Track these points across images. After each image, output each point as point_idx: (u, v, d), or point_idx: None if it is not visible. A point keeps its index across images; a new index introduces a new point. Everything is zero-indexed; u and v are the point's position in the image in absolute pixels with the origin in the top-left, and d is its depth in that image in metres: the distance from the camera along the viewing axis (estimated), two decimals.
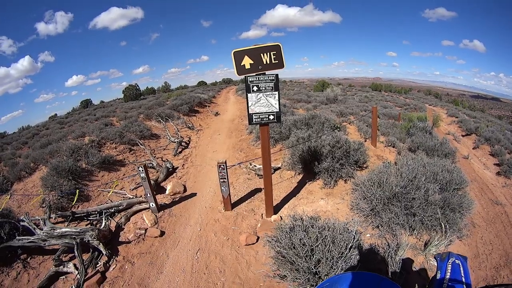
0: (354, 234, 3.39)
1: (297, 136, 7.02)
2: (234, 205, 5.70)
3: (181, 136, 11.45)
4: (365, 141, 8.38)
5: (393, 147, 8.23)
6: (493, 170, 10.49)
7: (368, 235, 4.28)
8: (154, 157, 9.10)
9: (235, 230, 4.96)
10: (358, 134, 9.26)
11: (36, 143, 11.88)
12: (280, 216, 5.04)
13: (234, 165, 7.24)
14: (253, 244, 4.54)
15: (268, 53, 4.03)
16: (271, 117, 4.26)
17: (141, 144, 10.03)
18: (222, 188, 5.27)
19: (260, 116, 4.26)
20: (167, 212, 5.92)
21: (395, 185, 4.39)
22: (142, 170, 5.36)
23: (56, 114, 41.18)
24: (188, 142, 11.34)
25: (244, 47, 4.10)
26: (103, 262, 4.45)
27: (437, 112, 24.09)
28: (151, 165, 8.42)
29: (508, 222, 6.80)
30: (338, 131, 8.35)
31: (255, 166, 6.96)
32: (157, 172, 8.00)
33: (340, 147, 5.93)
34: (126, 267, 4.46)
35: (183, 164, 8.82)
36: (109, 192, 6.69)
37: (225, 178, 5.16)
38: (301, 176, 6.37)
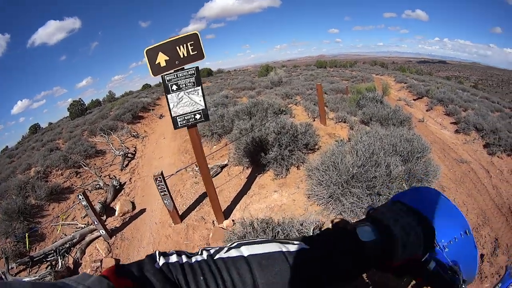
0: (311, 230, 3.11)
1: (239, 128, 6.61)
2: (184, 215, 5.24)
3: (126, 147, 10.68)
4: (314, 120, 8.10)
5: (344, 122, 8.00)
6: (451, 129, 10.85)
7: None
8: (100, 176, 8.40)
9: (188, 245, 4.53)
10: (306, 115, 8.98)
11: None
12: (232, 220, 4.63)
13: (179, 170, 6.68)
14: None
15: (184, 45, 3.54)
16: (198, 116, 3.79)
17: (84, 165, 9.25)
18: (165, 201, 4.77)
19: (185, 118, 3.77)
20: (119, 237, 5.48)
21: (351, 165, 4.09)
22: (83, 198, 4.86)
23: (7, 147, 38.64)
24: (134, 152, 10.63)
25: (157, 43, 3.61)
26: None
27: (385, 80, 24.59)
28: (98, 185, 7.77)
29: (477, 179, 6.87)
30: (284, 115, 8.04)
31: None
32: (105, 192, 7.37)
33: (286, 133, 5.58)
34: None
35: (130, 178, 8.22)
36: (60, 226, 6.19)
37: (165, 191, 4.65)
38: (250, 170, 5.96)
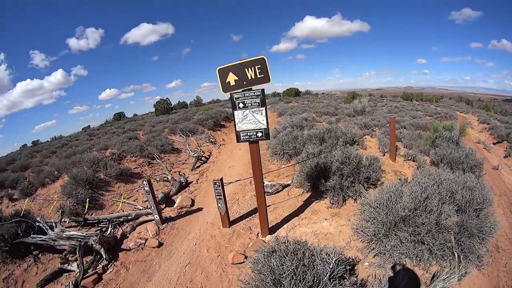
0: (334, 262, 3.13)
1: (307, 152, 6.77)
2: (234, 222, 5.56)
3: (202, 151, 11.57)
4: (384, 155, 7.92)
5: (414, 161, 7.64)
6: None
7: (367, 263, 3.91)
8: (170, 171, 9.17)
9: (228, 248, 4.83)
10: (378, 148, 8.80)
11: (62, 153, 12.39)
12: (276, 237, 4.83)
13: (239, 180, 7.12)
14: (240, 263, 4.37)
15: (252, 68, 3.92)
16: (259, 134, 4.11)
17: (158, 157, 10.15)
18: (219, 205, 5.18)
19: (248, 134, 4.14)
20: (170, 225, 6.08)
21: (401, 207, 4.05)
22: (146, 184, 5.54)
23: (89, 126, 42.06)
24: (208, 156, 11.38)
25: (229, 63, 4.04)
26: (103, 265, 4.86)
27: (468, 119, 22.91)
28: (166, 178, 8.52)
29: None
30: (356, 145, 8.01)
31: (263, 182, 6.79)
32: (171, 185, 8.07)
33: (350, 163, 5.58)
34: (121, 271, 4.80)
35: (198, 179, 8.85)
36: (121, 202, 6.99)
37: (220, 195, 5.07)
38: (309, 194, 6.07)
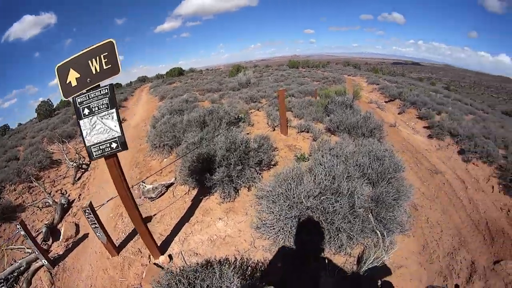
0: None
1: (186, 142, 6.08)
2: (123, 245, 4.69)
3: (81, 157, 9.82)
4: (274, 130, 7.56)
5: (308, 132, 7.44)
6: (423, 133, 10.52)
7: (280, 264, 3.54)
8: (50, 192, 7.72)
9: (123, 282, 4.00)
10: (267, 123, 8.37)
11: None
12: (169, 256, 4.12)
13: (110, 199, 5.95)
14: None
15: (98, 58, 2.98)
16: (114, 145, 3.17)
17: (34, 180, 8.54)
18: (97, 234, 4.22)
19: (101, 147, 3.18)
20: (61, 266, 4.87)
21: (305, 196, 3.63)
22: (21, 228, 4.27)
23: None
24: (88, 163, 9.74)
25: (72, 55, 3.05)
26: None
27: (357, 81, 24.40)
28: (47, 203, 7.11)
29: (452, 192, 6.52)
30: (243, 122, 7.54)
31: (144, 186, 5.83)
32: (54, 211, 6.73)
33: (236, 149, 5.03)
34: None
35: (80, 195, 7.56)
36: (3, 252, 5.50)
37: (95, 223, 4.10)
38: (196, 191, 5.37)
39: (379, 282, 3.39)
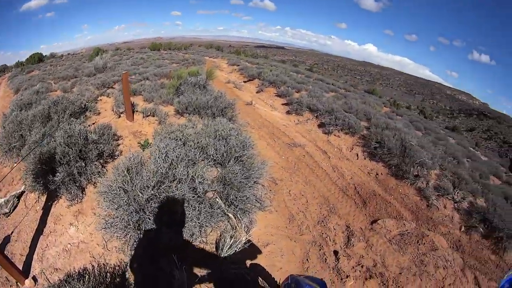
0: None
1: (27, 141, 5.06)
2: None
3: None
4: (119, 117, 6.84)
5: (154, 116, 6.92)
6: (282, 110, 10.69)
7: (136, 265, 3.17)
8: None
9: None
10: (113, 110, 7.47)
11: None
12: (34, 278, 3.31)
13: None
14: None
15: None
16: None
17: None
18: None
19: None
20: None
21: (140, 188, 3.17)
22: None
23: None
24: None
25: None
26: None
27: (217, 63, 24.50)
28: None
29: (314, 162, 6.59)
30: (89, 111, 6.71)
31: None
32: None
33: (75, 143, 4.31)
34: None
35: None
36: None
37: None
38: (45, 196, 4.50)
39: (247, 265, 3.27)
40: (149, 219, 3.14)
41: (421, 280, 3.73)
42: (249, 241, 3.46)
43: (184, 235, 3.22)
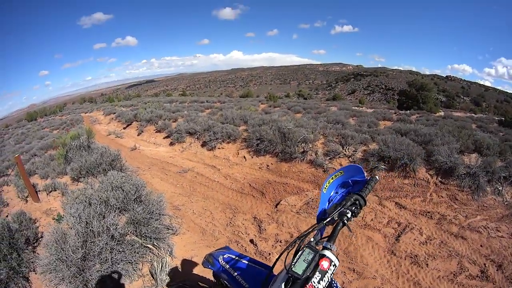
0: None
1: None
2: None
3: None
4: (27, 201, 6.76)
5: (55, 190, 6.93)
6: (165, 143, 11.12)
7: None
8: None
9: None
10: (18, 195, 7.34)
11: None
12: None
13: None
14: None
15: None
16: None
17: None
18: None
19: None
20: None
21: (72, 251, 3.48)
22: None
23: None
24: None
25: None
26: None
27: (94, 116, 23.74)
28: None
29: (206, 179, 7.18)
30: None
31: None
32: None
33: (3, 238, 4.11)
34: None
35: None
36: None
37: None
38: None
39: (184, 278, 3.71)
40: (91, 276, 3.53)
41: None
42: (176, 259, 3.99)
43: (123, 276, 3.67)
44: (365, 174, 1.65)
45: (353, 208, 1.48)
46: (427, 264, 3.81)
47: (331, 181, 1.67)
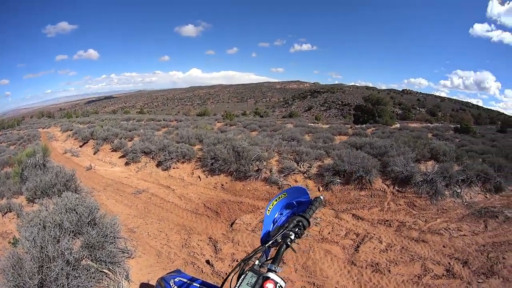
0: None
1: None
2: None
3: None
4: None
5: (11, 211, 6.56)
6: (121, 163, 10.95)
7: None
8: None
9: None
10: None
11: None
12: None
13: None
14: None
15: None
16: None
17: None
18: None
19: None
20: None
21: (29, 277, 3.41)
22: None
23: None
24: None
25: None
26: None
27: (52, 132, 22.87)
28: None
29: (161, 200, 7.13)
30: None
31: None
32: None
33: None
34: None
35: None
36: None
37: None
38: None
39: None
40: None
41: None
42: (133, 283, 3.97)
43: None
44: (309, 195, 1.70)
45: (296, 230, 1.50)
46: (389, 271, 3.96)
47: (274, 203, 1.69)
